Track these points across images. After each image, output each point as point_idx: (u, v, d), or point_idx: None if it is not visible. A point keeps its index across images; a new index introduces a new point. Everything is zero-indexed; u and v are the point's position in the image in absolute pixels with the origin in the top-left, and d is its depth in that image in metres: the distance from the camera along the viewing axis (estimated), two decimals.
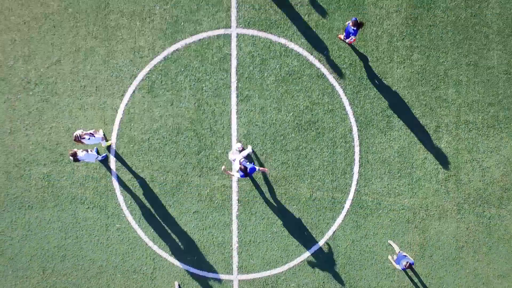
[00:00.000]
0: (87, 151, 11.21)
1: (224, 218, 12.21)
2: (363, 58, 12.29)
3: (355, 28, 11.01)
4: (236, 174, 10.88)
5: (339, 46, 12.27)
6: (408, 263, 10.81)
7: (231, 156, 11.61)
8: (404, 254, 11.31)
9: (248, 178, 12.08)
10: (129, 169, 12.15)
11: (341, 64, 12.25)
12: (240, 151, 11.38)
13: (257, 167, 10.96)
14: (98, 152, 11.87)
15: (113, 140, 12.01)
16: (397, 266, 11.39)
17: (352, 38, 11.52)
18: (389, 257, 12.18)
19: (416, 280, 12.52)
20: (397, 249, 11.86)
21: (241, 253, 12.29)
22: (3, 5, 12.10)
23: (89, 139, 10.87)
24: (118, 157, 12.16)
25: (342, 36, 11.95)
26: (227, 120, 12.15)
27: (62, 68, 12.15)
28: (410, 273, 12.52)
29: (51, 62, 12.15)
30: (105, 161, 12.14)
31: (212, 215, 12.20)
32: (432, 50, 12.43)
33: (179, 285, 12.20)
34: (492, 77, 12.53)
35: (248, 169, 10.66)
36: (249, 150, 11.58)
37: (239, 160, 10.91)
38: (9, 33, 12.13)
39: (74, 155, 10.65)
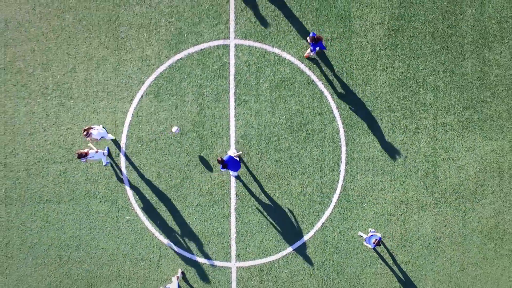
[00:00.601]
0: (97, 151, 12.47)
1: (223, 211, 13.50)
2: (349, 66, 13.56)
3: (313, 43, 12.15)
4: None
5: (328, 56, 13.54)
6: (376, 240, 12.11)
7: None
8: (372, 233, 12.59)
9: (238, 175, 13.37)
10: (138, 166, 13.45)
11: (329, 71, 13.52)
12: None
13: (233, 155, 12.31)
14: (109, 153, 13.15)
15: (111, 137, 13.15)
16: (369, 246, 12.67)
17: (313, 52, 12.64)
18: (364, 243, 13.41)
19: (395, 268, 13.80)
20: (364, 235, 13.14)
21: (239, 242, 13.58)
22: (24, 18, 13.38)
23: (96, 134, 12.11)
24: (127, 155, 13.45)
25: (310, 54, 13.07)
26: (226, 123, 13.43)
27: (77, 75, 13.43)
28: (391, 261, 13.80)
29: (66, 70, 13.44)
30: (116, 159, 13.43)
31: (212, 208, 13.49)
32: (412, 59, 13.70)
33: (182, 272, 13.47)
34: (467, 83, 13.80)
35: (224, 160, 11.83)
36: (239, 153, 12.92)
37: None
38: (29, 44, 13.42)
39: (82, 155, 11.82)
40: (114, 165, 13.46)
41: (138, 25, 13.41)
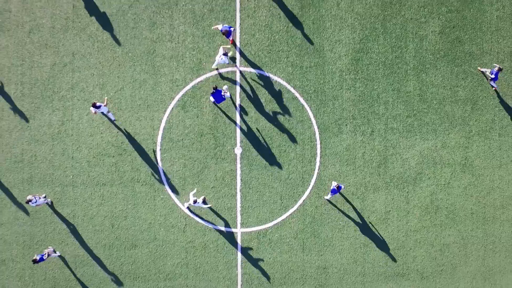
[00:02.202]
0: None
1: (231, 191, 18.58)
2: (323, 86, 18.62)
3: (225, 35, 17.20)
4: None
5: (307, 79, 18.60)
6: (337, 185, 16.80)
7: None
8: (336, 184, 17.15)
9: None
10: (169, 159, 18.50)
11: (308, 90, 18.58)
12: (224, 54, 17.09)
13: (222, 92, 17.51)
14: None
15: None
16: (329, 195, 17.43)
17: (230, 40, 17.70)
18: (329, 195, 18.11)
19: (356, 234, 18.89)
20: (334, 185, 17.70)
21: (243, 214, 18.66)
22: (86, 50, 18.40)
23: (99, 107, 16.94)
24: (162, 151, 18.50)
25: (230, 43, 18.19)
26: (233, 127, 18.48)
27: (124, 93, 18.46)
28: (353, 229, 18.86)
29: (117, 89, 18.45)
30: (153, 154, 18.49)
31: (223, 189, 18.55)
32: (369, 81, 18.75)
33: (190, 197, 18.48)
34: (410, 99, 18.87)
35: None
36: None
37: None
38: (89, 70, 18.43)
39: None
40: (153, 158, 18.51)
41: (170, 56, 18.44)
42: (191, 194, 17.13)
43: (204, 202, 18.13)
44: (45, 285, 18.53)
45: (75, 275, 18.58)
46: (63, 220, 18.54)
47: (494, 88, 18.75)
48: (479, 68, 18.77)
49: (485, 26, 19.09)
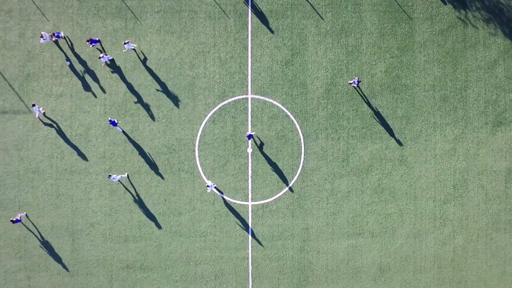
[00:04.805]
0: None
1: (245, 177, 27.86)
2: (305, 107, 27.91)
3: (92, 43, 26.61)
4: None
5: (296, 103, 27.87)
6: (357, 80, 26.55)
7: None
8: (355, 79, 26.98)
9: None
10: (204, 157, 27.74)
11: (296, 110, 27.88)
12: None
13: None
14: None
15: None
16: (354, 84, 27.09)
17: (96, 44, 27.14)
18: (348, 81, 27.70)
19: (329, 200, 28.25)
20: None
21: (252, 192, 27.95)
22: (147, 83, 27.57)
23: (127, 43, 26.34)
24: (199, 150, 27.74)
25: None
26: (245, 136, 27.74)
27: (173, 112, 27.66)
28: (325, 202, 28.23)
29: (169, 109, 27.66)
30: (193, 152, 27.77)
31: (239, 176, 27.80)
32: (336, 104, 28.06)
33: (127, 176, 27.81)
34: (364, 116, 28.19)
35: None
36: None
37: None
38: (150, 96, 27.64)
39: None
40: (192, 158, 27.76)
41: (204, 87, 27.66)
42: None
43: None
44: (120, 240, 27.87)
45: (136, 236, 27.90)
46: (132, 196, 27.81)
47: (353, 85, 27.67)
48: (348, 82, 27.84)
49: (416, 66, 28.38)
